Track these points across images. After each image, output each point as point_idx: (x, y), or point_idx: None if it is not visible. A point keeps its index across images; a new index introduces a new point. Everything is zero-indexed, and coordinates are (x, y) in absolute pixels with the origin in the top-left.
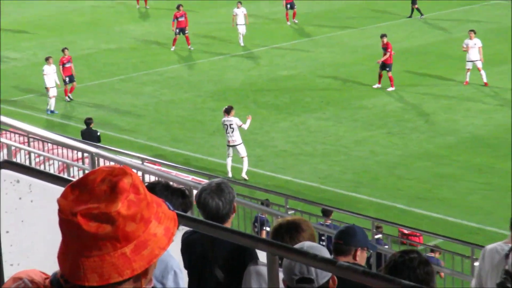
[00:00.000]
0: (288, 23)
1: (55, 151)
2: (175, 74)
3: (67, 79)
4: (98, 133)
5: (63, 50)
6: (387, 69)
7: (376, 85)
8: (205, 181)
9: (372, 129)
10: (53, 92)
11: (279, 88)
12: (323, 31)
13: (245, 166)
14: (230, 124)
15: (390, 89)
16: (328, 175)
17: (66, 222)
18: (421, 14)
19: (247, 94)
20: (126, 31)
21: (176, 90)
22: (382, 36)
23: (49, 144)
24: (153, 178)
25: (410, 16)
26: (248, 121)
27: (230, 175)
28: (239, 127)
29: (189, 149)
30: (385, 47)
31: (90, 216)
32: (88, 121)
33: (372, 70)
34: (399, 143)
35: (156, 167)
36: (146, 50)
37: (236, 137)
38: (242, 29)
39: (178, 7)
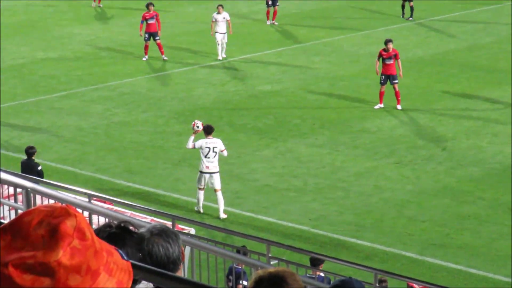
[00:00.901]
0: (268, 22)
1: None
2: (131, 89)
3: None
4: (40, 168)
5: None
6: (395, 81)
7: (378, 106)
8: (168, 223)
9: (377, 159)
10: None
11: (261, 107)
12: (316, 36)
13: (222, 202)
14: (214, 147)
15: (398, 107)
16: (321, 216)
17: None
18: (406, 15)
19: (220, 115)
20: (69, 35)
21: (132, 109)
22: (388, 42)
23: None
24: (102, 220)
25: (405, 17)
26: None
27: (201, 210)
28: (221, 152)
29: (148, 183)
30: (391, 56)
31: (24, 267)
32: (30, 151)
33: (378, 84)
34: (410, 176)
35: (106, 205)
36: (95, 60)
37: (216, 164)
38: (222, 39)
39: (147, 6)
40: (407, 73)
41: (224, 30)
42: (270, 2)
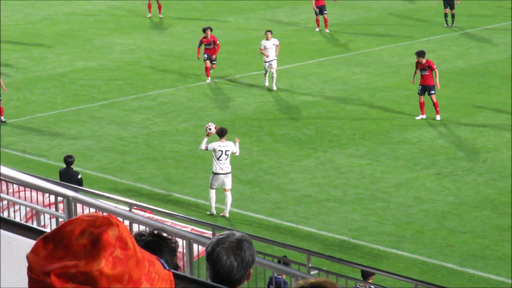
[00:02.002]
0: (317, 29)
1: (21, 194)
2: (171, 98)
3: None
4: (79, 176)
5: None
6: (431, 92)
7: (420, 116)
8: (207, 232)
9: (417, 170)
10: None
11: (301, 117)
12: (356, 46)
13: (230, 202)
14: (226, 151)
15: (437, 117)
16: (361, 226)
17: (37, 283)
18: (448, 23)
19: (261, 125)
20: (109, 45)
21: (172, 118)
22: (417, 54)
23: (14, 186)
24: (143, 229)
25: (448, 25)
26: (238, 145)
27: (214, 211)
28: (233, 153)
29: (187, 193)
30: (425, 67)
31: (67, 276)
32: (68, 160)
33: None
34: (451, 187)
35: (147, 214)
36: (135, 69)
37: (228, 165)
38: (270, 67)
39: (204, 31)
40: (448, 84)
41: (273, 57)
42: (317, 11)
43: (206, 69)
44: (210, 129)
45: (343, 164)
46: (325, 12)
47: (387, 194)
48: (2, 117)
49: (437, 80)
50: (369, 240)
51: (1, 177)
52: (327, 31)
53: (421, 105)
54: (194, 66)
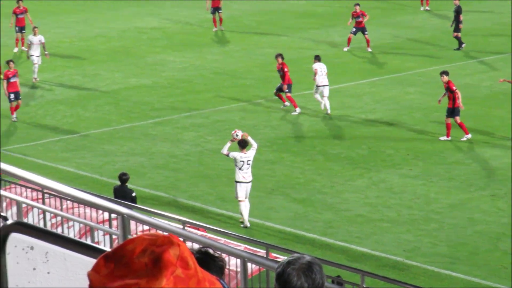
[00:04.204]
0: (346, 48)
1: (75, 210)
2: (224, 116)
3: (11, 96)
4: (134, 194)
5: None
6: (455, 115)
7: (443, 138)
8: (261, 251)
9: (472, 191)
10: None
11: (354, 137)
12: (410, 66)
13: (248, 208)
14: (248, 160)
15: (465, 137)
16: (415, 247)
17: None
18: (460, 46)
19: (313, 144)
20: (162, 62)
21: (225, 136)
22: (442, 74)
23: (68, 202)
24: (196, 247)
25: (459, 48)
26: (250, 139)
27: (248, 224)
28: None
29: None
30: (446, 89)
31: None
32: (123, 177)
33: (474, 115)
34: (505, 209)
35: (200, 232)
36: (188, 87)
37: (250, 174)
38: (323, 94)
39: (277, 58)
40: (503, 105)
41: (326, 82)
42: (354, 30)
43: (280, 98)
44: (237, 135)
45: (397, 184)
46: (366, 33)
47: (441, 215)
48: (13, 116)
49: (458, 101)
50: (423, 261)
51: (55, 194)
52: (369, 50)
53: (447, 127)
54: (246, 85)
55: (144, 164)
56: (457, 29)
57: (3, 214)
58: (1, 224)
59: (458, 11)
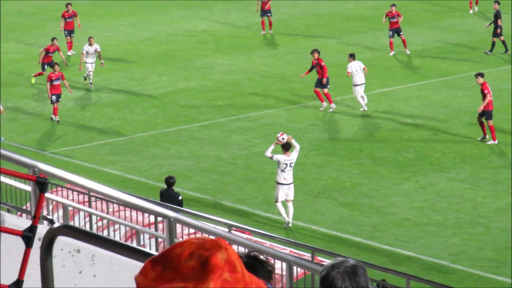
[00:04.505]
0: (391, 53)
1: (121, 213)
2: (271, 120)
3: (53, 97)
4: (180, 197)
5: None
6: (484, 117)
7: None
8: (307, 255)
9: None
10: None
11: (402, 140)
12: (459, 70)
13: (292, 212)
14: (291, 163)
15: (491, 142)
16: (461, 251)
17: None
18: (506, 49)
19: (361, 147)
20: (210, 65)
21: (272, 140)
22: (477, 75)
23: (114, 205)
24: (242, 251)
25: (490, 51)
26: (293, 141)
27: (290, 224)
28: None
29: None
30: (481, 91)
31: None
32: (170, 181)
33: None
34: None
35: (246, 236)
36: (236, 90)
37: (291, 176)
38: (359, 92)
39: (312, 53)
40: None
41: (363, 81)
42: (390, 33)
43: (319, 95)
44: (283, 138)
45: (444, 188)
46: (401, 33)
47: (488, 219)
48: (56, 117)
49: (483, 104)
50: (469, 265)
51: (102, 197)
52: (408, 51)
53: (482, 126)
54: (295, 88)
55: (191, 167)
56: (495, 34)
57: (49, 217)
58: (48, 227)
59: (497, 16)
